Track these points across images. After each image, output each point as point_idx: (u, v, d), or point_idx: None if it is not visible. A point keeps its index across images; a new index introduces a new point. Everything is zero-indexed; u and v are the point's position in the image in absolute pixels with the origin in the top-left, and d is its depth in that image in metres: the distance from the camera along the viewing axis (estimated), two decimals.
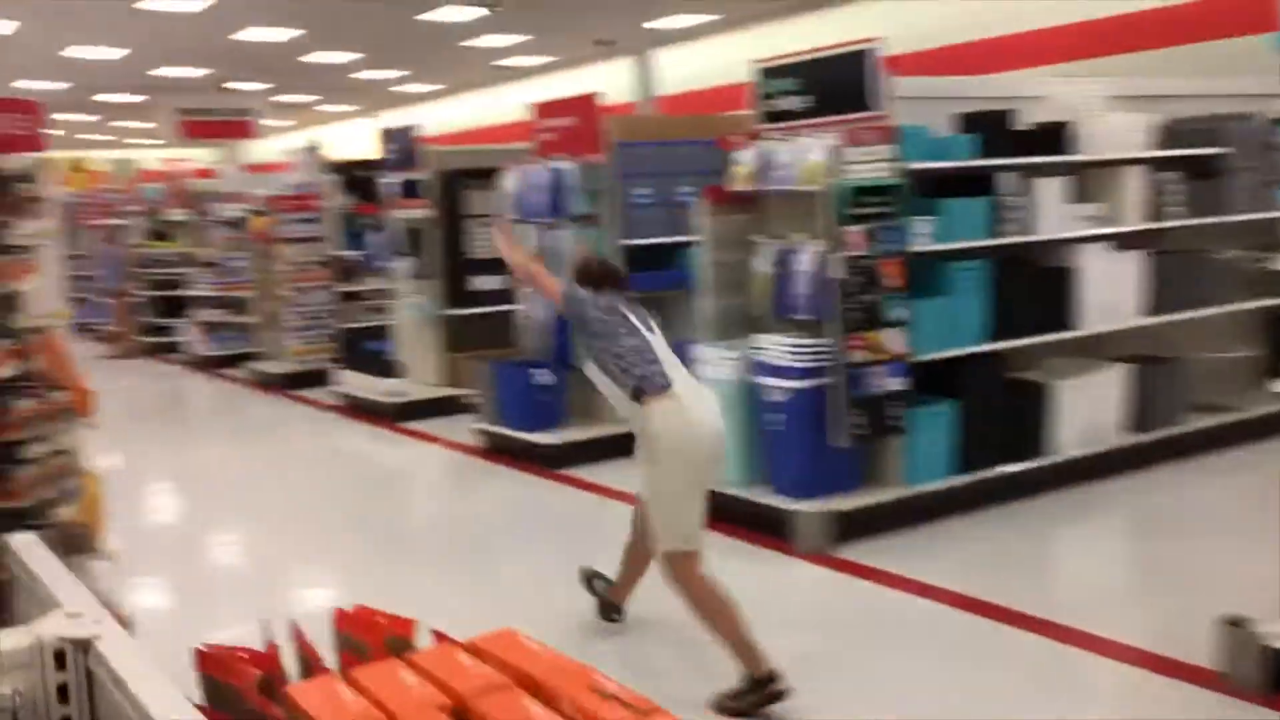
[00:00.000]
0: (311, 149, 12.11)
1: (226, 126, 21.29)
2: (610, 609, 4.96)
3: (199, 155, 28.74)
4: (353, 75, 21.63)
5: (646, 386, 4.19)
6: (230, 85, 21.16)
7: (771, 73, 6.37)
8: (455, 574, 5.97)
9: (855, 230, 5.76)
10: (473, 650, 1.48)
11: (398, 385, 9.78)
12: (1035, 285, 6.62)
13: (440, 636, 1.55)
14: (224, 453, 9.60)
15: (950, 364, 6.22)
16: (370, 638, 1.55)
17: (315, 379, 11.50)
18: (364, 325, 11.90)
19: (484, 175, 9.82)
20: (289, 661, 1.59)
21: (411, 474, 8.74)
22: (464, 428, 8.94)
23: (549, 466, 7.83)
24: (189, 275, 14.91)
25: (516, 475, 7.87)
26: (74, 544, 3.23)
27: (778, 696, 4.04)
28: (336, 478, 8.60)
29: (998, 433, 6.39)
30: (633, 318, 4.39)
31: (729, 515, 6.23)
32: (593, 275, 4.66)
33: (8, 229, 3.00)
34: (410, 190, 9.95)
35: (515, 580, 5.91)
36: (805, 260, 6.01)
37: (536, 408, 8.03)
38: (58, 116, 24.59)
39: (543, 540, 6.59)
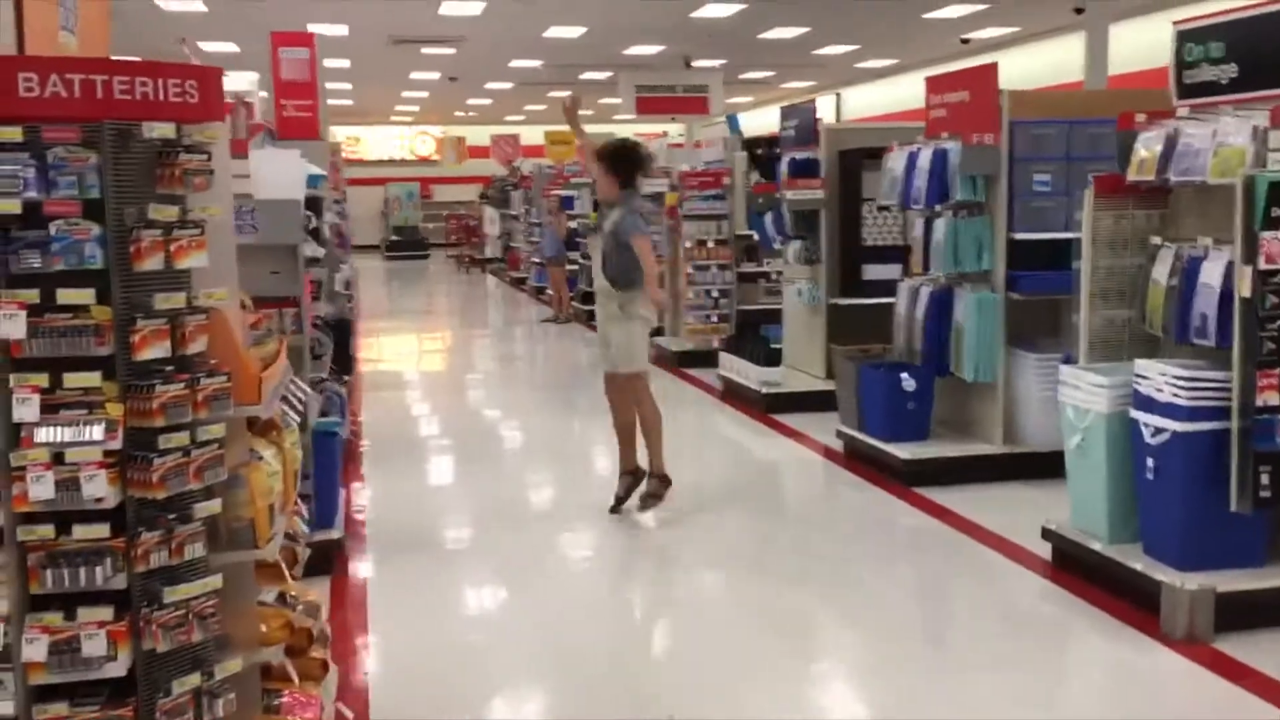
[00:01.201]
0: (730, 123, 11.84)
1: (682, 102, 21.77)
2: (641, 487, 6.71)
3: (673, 131, 29.77)
4: (814, 52, 21.28)
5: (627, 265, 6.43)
6: (695, 64, 21.60)
7: (1192, 35, 5.11)
8: (788, 594, 5.42)
9: (1277, 238, 4.45)
10: None
11: (773, 375, 9.28)
12: None
13: None
14: (593, 423, 9.62)
15: None
16: None
17: (706, 359, 11.29)
18: (760, 309, 11.53)
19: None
20: None
21: (765, 473, 8.21)
22: (832, 426, 8.29)
23: (905, 483, 7.00)
24: None
25: (870, 490, 7.10)
26: (228, 539, 3.05)
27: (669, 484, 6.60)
28: (693, 464, 8.27)
29: None
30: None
31: (1087, 573, 5.17)
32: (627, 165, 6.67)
33: (172, 202, 2.81)
34: (808, 169, 9.37)
35: (852, 614, 5.24)
36: (1212, 271, 4.77)
37: (899, 416, 7.20)
38: (554, 94, 26.46)
39: (880, 574, 5.82)
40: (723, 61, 22.05)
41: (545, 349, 14.96)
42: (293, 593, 3.39)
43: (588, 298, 16.27)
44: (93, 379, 2.77)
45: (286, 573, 3.22)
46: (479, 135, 32.14)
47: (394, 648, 4.83)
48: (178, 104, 2.82)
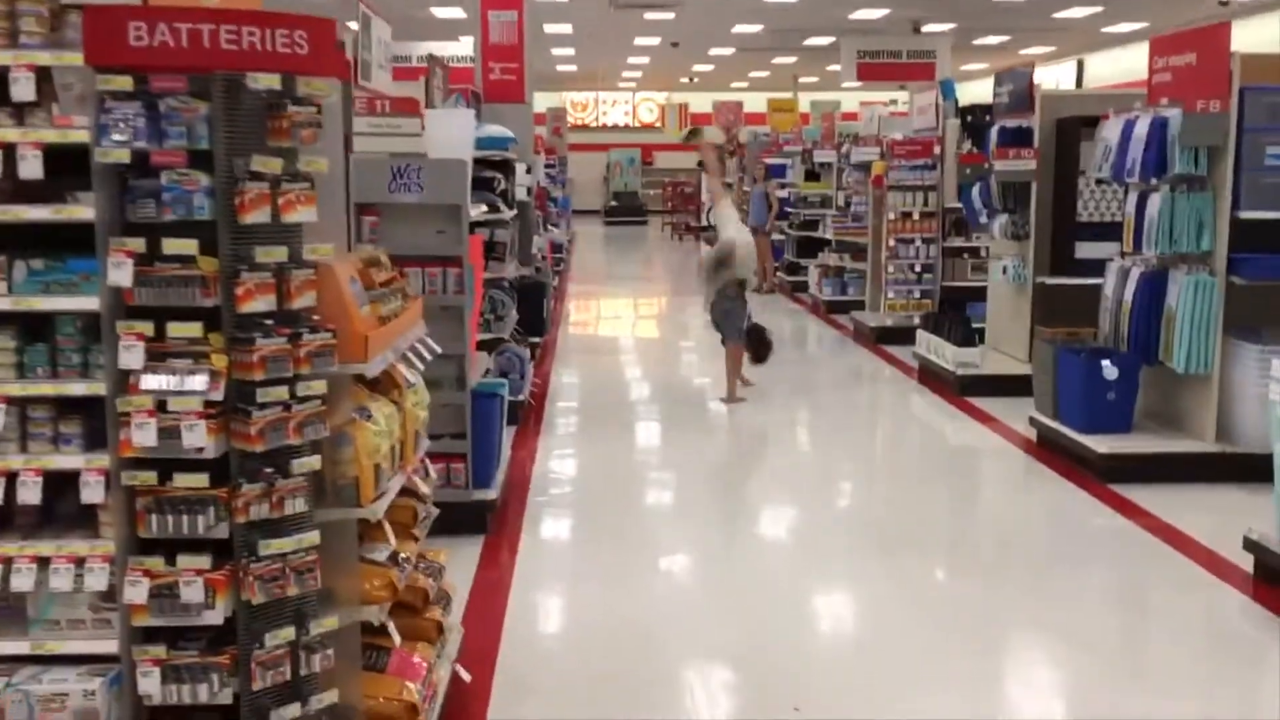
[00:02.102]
0: (944, 88, 11.27)
1: (907, 69, 20.96)
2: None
3: (900, 99, 28.81)
4: (1055, 15, 20.10)
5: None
6: (924, 28, 20.79)
7: None
8: (971, 589, 5.12)
9: None
10: None
11: (970, 355, 8.79)
12: None
13: None
14: (790, 399, 9.38)
15: None
16: None
17: (906, 336, 10.83)
18: (966, 286, 10.97)
19: None
20: None
21: (952, 459, 7.78)
22: (1029, 413, 7.80)
23: (1103, 479, 6.48)
24: (824, 217, 14.95)
25: (1063, 485, 6.61)
26: (333, 496, 3.03)
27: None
28: (881, 448, 7.99)
29: None
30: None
31: None
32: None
33: (280, 155, 2.80)
34: (1020, 138, 8.79)
35: (1036, 620, 4.90)
36: None
37: (1099, 406, 6.66)
38: (778, 60, 26.05)
39: (1069, 577, 5.39)
40: (953, 26, 21.10)
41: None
42: (404, 553, 3.36)
43: (793, 268, 15.95)
44: (195, 329, 2.79)
45: (389, 533, 3.19)
46: (702, 102, 32.01)
47: (533, 615, 4.79)
48: (286, 55, 2.79)
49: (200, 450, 2.78)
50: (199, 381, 2.78)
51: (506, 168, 8.02)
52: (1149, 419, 6.77)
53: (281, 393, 2.83)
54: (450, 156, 5.50)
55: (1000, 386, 8.63)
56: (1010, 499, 6.80)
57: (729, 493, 6.79)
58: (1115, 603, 5.21)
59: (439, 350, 3.75)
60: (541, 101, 29.51)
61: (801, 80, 29.74)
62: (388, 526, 3.19)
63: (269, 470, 2.85)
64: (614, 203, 32.62)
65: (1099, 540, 5.89)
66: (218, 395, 2.79)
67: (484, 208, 6.73)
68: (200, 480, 2.81)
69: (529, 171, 10.73)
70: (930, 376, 9.45)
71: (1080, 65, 25.67)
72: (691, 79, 31.56)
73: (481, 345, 7.67)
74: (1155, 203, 6.40)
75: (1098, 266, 8.44)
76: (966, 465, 7.65)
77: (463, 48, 16.88)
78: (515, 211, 8.47)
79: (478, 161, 7.81)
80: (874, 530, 6.06)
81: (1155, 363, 6.55)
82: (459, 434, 5.44)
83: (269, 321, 2.83)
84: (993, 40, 23.68)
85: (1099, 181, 8.51)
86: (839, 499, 6.75)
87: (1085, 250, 8.60)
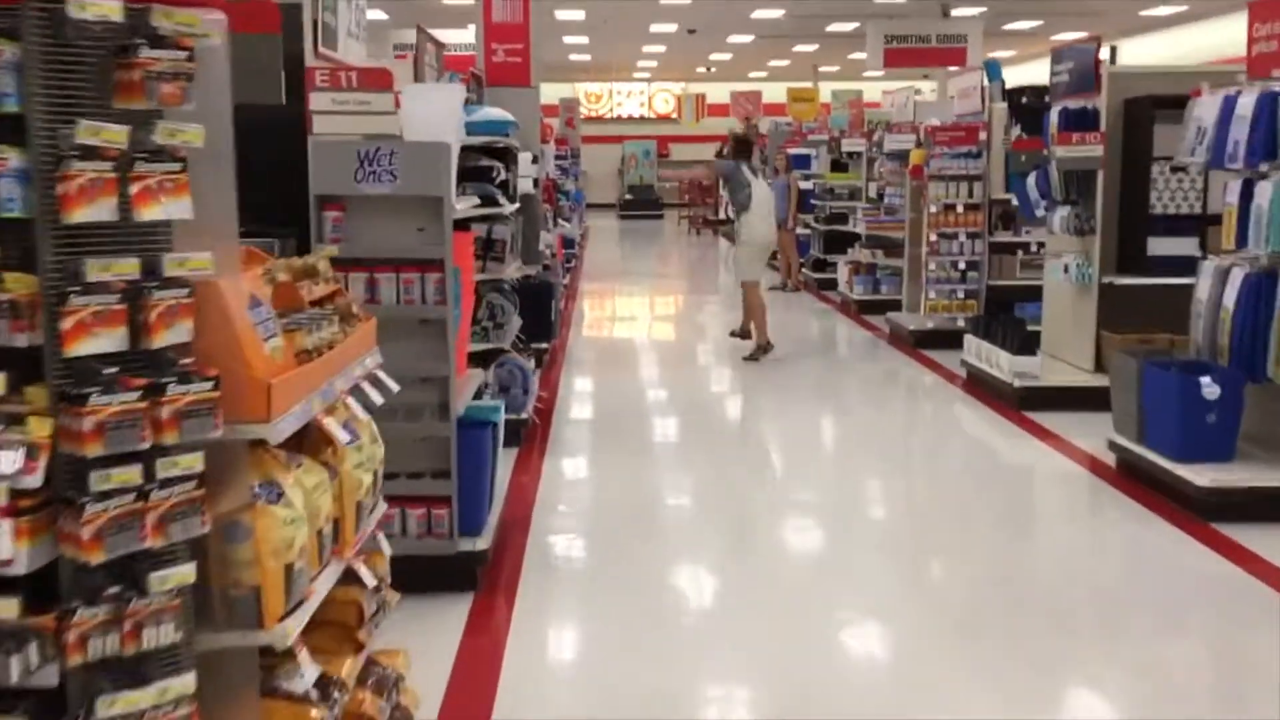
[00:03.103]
0: (990, 69, 10.28)
1: (936, 54, 19.96)
2: (760, 350, 9.86)
3: (925, 88, 27.76)
4: None
5: (739, 208, 9.86)
6: (953, 12, 19.79)
7: None
8: (1040, 644, 4.17)
9: None
10: None
11: (1029, 364, 7.82)
12: None
13: None
14: (821, 414, 8.44)
15: None
16: None
17: (949, 340, 9.87)
18: (1015, 285, 10.00)
19: (1184, 104, 7.45)
20: None
21: (1015, 485, 6.83)
22: (1100, 431, 6.87)
23: (1201, 516, 5.52)
24: (854, 210, 13.98)
25: (1151, 521, 5.66)
26: (221, 616, 2.11)
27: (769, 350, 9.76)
28: (927, 473, 7.04)
29: None
30: (747, 174, 9.86)
31: None
32: (739, 147, 10.36)
33: (135, 124, 1.87)
34: (1084, 121, 7.82)
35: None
36: None
37: (1196, 430, 5.69)
38: (798, 48, 25.10)
39: (1161, 632, 4.47)
40: (983, 9, 20.10)
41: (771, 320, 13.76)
42: (340, 673, 2.45)
43: (820, 265, 14.99)
44: None
45: (304, 661, 2.25)
46: (719, 93, 31.02)
47: (530, 696, 3.86)
48: None
49: (6, 563, 1.86)
50: (5, 460, 1.86)
51: (508, 156, 7.09)
52: (1254, 445, 5.81)
53: (132, 474, 1.91)
54: (432, 139, 4.57)
55: (1062, 400, 7.67)
56: (1086, 535, 5.83)
57: (759, 532, 5.83)
58: (1222, 669, 4.28)
59: (395, 388, 2.83)
60: (553, 92, 28.62)
61: (822, 69, 28.73)
62: (303, 654, 2.25)
63: (116, 589, 1.94)
64: (629, 196, 31.63)
65: (1200, 590, 4.95)
66: (34, 480, 1.87)
67: (476, 200, 5.80)
68: (9, 606, 1.89)
69: (536, 162, 9.81)
70: (980, 386, 8.48)
71: (1113, 52, 24.57)
72: (709, 68, 30.59)
73: (477, 357, 6.77)
74: (1265, 191, 5.43)
75: (1172, 265, 7.51)
76: (1031, 493, 6.70)
77: (469, 35, 15.96)
78: (518, 205, 7.55)
79: (475, 150, 6.89)
80: (931, 562, 5.12)
81: (1263, 380, 5.58)
82: (441, 472, 4.52)
83: (113, 369, 1.91)
84: (1024, 25, 22.66)
85: (1174, 169, 7.54)
86: (886, 532, 5.81)
87: (1159, 246, 7.63)
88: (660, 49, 25.98)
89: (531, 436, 7.11)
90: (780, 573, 5.20)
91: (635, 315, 14.27)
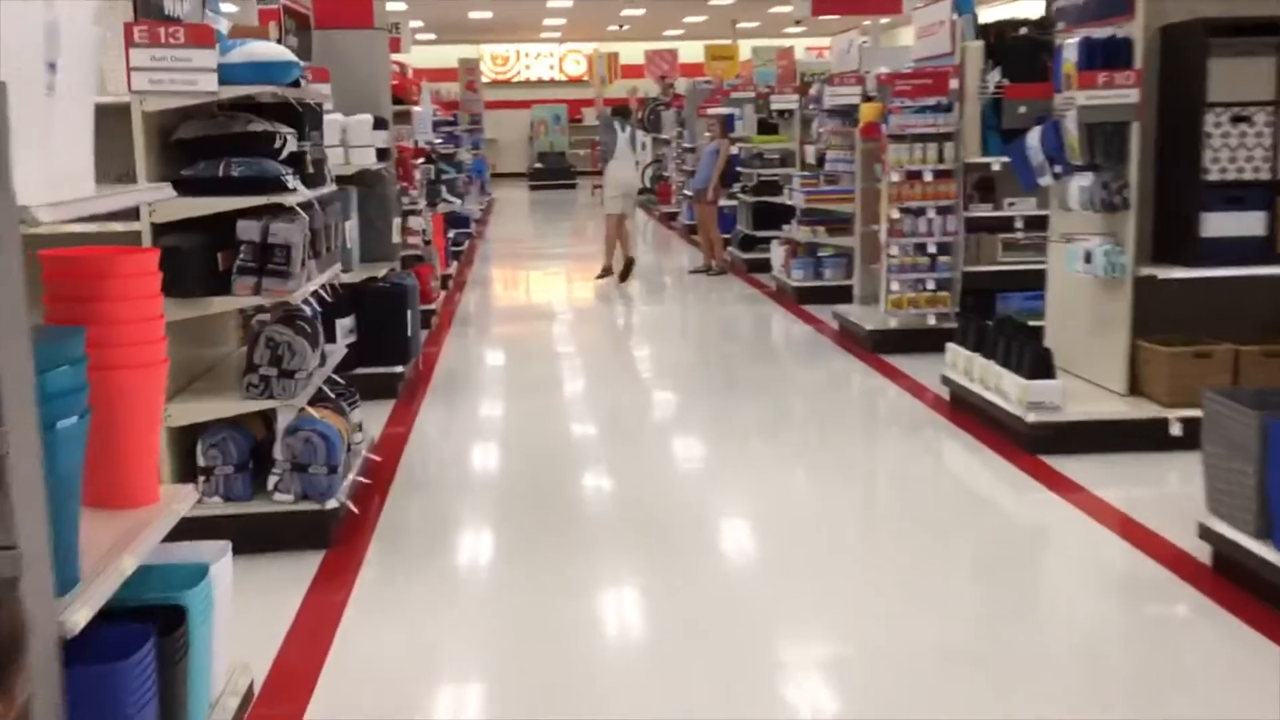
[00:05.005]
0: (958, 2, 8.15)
1: (869, 1, 17.92)
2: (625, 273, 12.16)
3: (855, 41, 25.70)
4: None
5: (604, 156, 12.90)
6: None
7: None
8: None
9: None
10: None
11: (1048, 393, 5.76)
12: None
13: None
14: (767, 452, 6.30)
15: None
16: None
17: (921, 343, 7.82)
18: (996, 270, 7.98)
19: (1252, 31, 5.47)
20: None
21: (1053, 580, 4.73)
22: (1161, 485, 4.83)
23: None
24: (788, 178, 11.86)
25: (1263, 646, 3.65)
26: None
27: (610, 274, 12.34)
28: (910, 548, 4.87)
29: None
30: (616, 128, 12.37)
31: None
32: (617, 110, 13.37)
33: None
34: (1113, 55, 5.75)
35: None
36: None
37: None
38: (716, 1, 22.99)
39: None
40: None
41: (687, 315, 11.61)
42: None
43: (749, 243, 12.88)
44: None
45: None
46: (633, 52, 28.74)
47: None
48: None
49: None
50: None
51: (304, 117, 4.84)
52: None
53: None
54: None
55: (1096, 437, 5.64)
56: (1176, 667, 3.77)
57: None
58: None
59: None
60: (452, 54, 26.14)
61: (740, 26, 26.62)
62: None
63: None
64: (539, 165, 29.22)
65: None
66: None
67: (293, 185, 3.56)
68: None
69: (384, 127, 7.53)
70: (969, 413, 6.42)
71: None
72: (621, 26, 28.27)
73: (237, 423, 4.57)
74: None
75: (1233, 250, 5.57)
76: (1083, 592, 4.56)
77: None
78: (333, 190, 5.31)
79: (243, 108, 4.66)
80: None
81: None
82: None
83: None
84: None
85: (1237, 119, 5.54)
86: (883, 626, 3.71)
87: (1215, 225, 5.62)
88: (568, 4, 23.61)
89: (343, 539, 4.80)
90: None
91: (534, 312, 11.99)
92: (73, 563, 2.37)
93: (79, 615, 2.30)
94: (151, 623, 2.50)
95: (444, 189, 12.04)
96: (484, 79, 27.28)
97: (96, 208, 2.48)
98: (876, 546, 5.01)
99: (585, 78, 31.76)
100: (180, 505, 2.95)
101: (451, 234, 12.58)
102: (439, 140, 13.06)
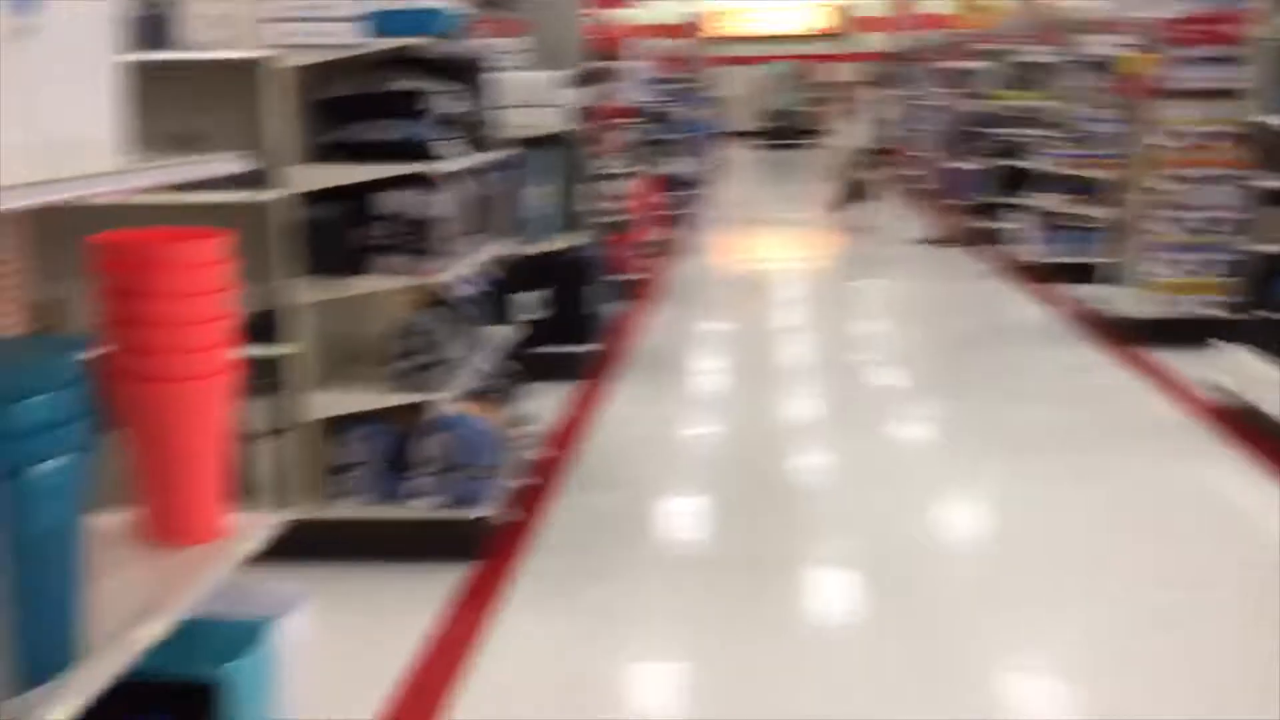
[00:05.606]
0: None
1: None
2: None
3: None
4: None
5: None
6: None
7: None
8: None
9: None
10: None
11: None
12: None
13: None
14: (981, 464, 5.41)
15: None
16: None
17: (1187, 335, 6.66)
18: None
19: None
20: None
21: None
22: None
23: None
24: (1035, 141, 10.64)
25: None
26: None
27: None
28: (1177, 602, 3.92)
29: None
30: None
31: None
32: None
33: None
34: None
35: None
36: None
37: None
38: None
39: None
40: None
41: (913, 290, 10.61)
42: None
43: (985, 210, 11.73)
44: None
45: None
46: (873, 5, 27.36)
47: None
48: None
49: None
50: None
51: (462, 75, 4.30)
52: None
53: None
54: None
55: None
56: None
57: None
58: None
59: None
60: (682, 10, 25.49)
61: None
62: None
63: None
64: (770, 123, 28.28)
65: None
66: None
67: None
68: None
69: (566, 87, 6.94)
70: (1260, 431, 5.32)
71: None
72: None
73: (382, 418, 4.10)
74: None
75: None
76: None
77: None
78: (503, 156, 4.78)
79: (385, 64, 4.16)
80: None
81: None
82: None
83: None
84: None
85: None
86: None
87: None
88: None
89: (498, 549, 4.27)
90: None
91: (751, 285, 11.25)
92: (62, 643, 1.85)
93: (54, 714, 1.80)
94: (167, 714, 1.97)
95: (658, 150, 11.45)
96: (713, 34, 26.57)
97: (106, 185, 1.95)
98: (1113, 594, 4.08)
99: (823, 31, 30.51)
100: (243, 545, 2.44)
101: (669, 198, 11.99)
102: (653, 99, 12.45)
